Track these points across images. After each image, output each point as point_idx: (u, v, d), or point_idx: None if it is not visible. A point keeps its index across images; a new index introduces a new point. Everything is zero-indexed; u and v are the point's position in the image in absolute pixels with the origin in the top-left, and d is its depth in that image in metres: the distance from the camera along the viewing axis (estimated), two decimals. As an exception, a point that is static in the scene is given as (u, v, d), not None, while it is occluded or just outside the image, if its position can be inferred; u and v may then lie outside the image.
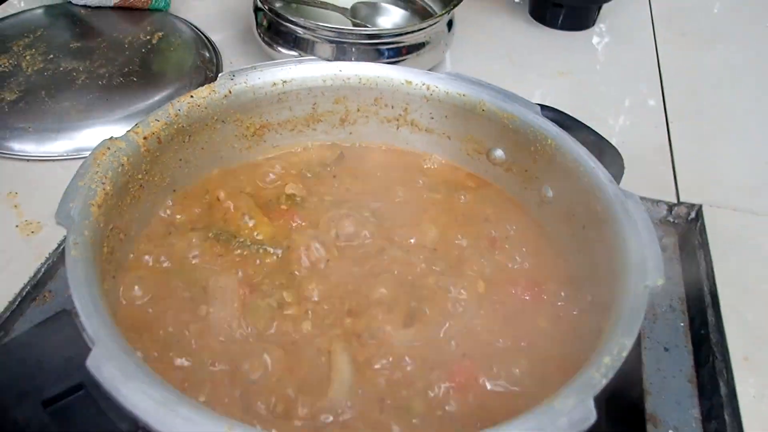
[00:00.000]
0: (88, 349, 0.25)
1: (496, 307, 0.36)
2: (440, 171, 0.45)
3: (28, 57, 0.63)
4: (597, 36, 0.82)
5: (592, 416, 0.25)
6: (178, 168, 0.39)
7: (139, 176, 0.36)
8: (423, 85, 0.42)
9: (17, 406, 0.25)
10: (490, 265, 0.38)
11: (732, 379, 0.44)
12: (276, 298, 0.35)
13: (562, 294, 0.36)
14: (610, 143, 0.42)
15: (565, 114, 0.42)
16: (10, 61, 0.62)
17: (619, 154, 0.41)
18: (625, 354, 0.28)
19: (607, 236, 0.34)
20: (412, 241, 0.39)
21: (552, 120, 0.41)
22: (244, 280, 0.35)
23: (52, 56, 0.63)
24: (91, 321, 0.26)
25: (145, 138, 0.36)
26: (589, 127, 0.42)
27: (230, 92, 0.40)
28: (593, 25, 0.82)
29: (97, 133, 0.58)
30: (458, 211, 0.42)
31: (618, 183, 0.40)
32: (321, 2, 0.71)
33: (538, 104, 0.41)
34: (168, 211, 0.39)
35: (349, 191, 0.42)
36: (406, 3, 0.75)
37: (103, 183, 0.33)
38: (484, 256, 0.38)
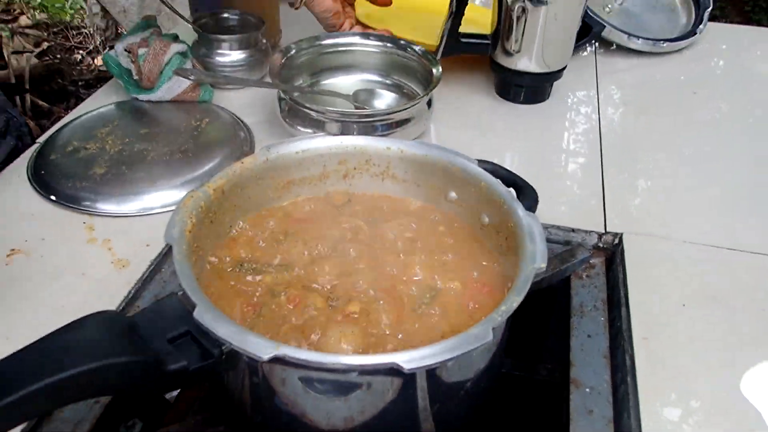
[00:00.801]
0: (192, 309, 0.43)
1: (454, 283, 0.54)
2: (415, 209, 0.63)
3: (109, 141, 0.83)
4: (551, 108, 1.01)
5: (489, 336, 0.42)
6: (234, 209, 0.58)
7: (210, 214, 0.54)
8: (398, 149, 0.61)
9: (154, 342, 0.43)
10: (449, 263, 0.56)
11: (633, 354, 0.61)
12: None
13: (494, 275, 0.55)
14: (529, 184, 0.60)
15: (499, 165, 0.61)
16: (97, 145, 0.83)
17: (534, 190, 0.59)
18: (515, 305, 0.45)
19: (518, 241, 0.52)
20: (399, 244, 0.57)
21: (489, 170, 0.59)
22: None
23: (127, 140, 0.84)
24: (192, 292, 0.44)
25: (214, 190, 0.55)
26: (515, 174, 0.61)
27: (267, 159, 0.59)
28: (548, 98, 1.02)
29: (162, 196, 0.77)
30: (427, 233, 0.60)
31: (534, 210, 0.58)
32: (329, 91, 0.92)
33: (477, 159, 0.60)
34: (233, 232, 0.57)
35: (353, 222, 0.60)
36: (395, 87, 0.95)
37: (190, 218, 0.52)
38: (445, 259, 0.56)
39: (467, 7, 0.97)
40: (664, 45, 1.14)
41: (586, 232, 0.76)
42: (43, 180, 0.78)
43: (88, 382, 0.40)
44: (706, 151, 0.92)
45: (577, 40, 1.03)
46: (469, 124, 0.96)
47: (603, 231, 0.76)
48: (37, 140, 0.87)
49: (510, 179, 0.60)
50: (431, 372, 0.44)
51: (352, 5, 0.99)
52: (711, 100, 1.05)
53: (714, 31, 1.24)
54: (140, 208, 0.76)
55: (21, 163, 0.82)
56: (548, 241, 0.74)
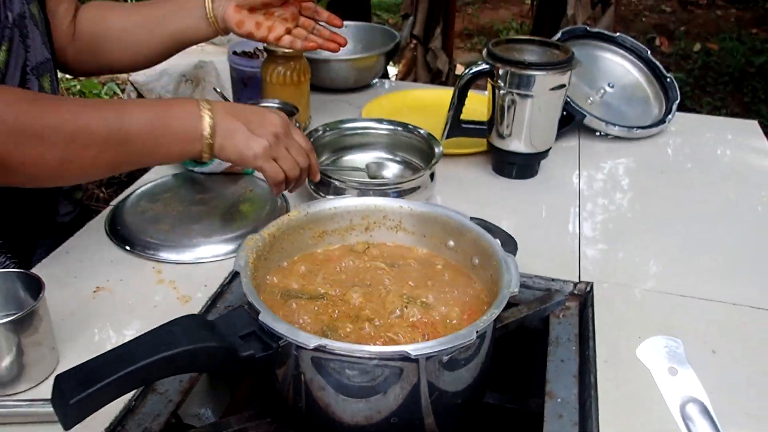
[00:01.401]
0: (256, 315, 0.60)
1: (454, 307, 0.70)
2: (422, 254, 0.80)
3: (171, 204, 1.02)
4: (539, 182, 1.19)
5: (473, 335, 0.58)
6: (281, 250, 0.75)
7: (264, 253, 0.72)
8: (409, 207, 0.79)
9: (230, 337, 0.59)
10: (449, 293, 0.72)
11: (596, 374, 0.76)
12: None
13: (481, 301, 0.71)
14: (510, 234, 0.77)
15: (487, 221, 0.78)
16: (161, 207, 1.01)
17: (514, 239, 0.76)
18: (494, 316, 0.61)
19: (499, 275, 0.69)
20: (411, 283, 0.74)
21: (479, 224, 0.77)
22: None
23: (185, 203, 1.02)
24: (257, 302, 0.61)
25: (267, 235, 0.72)
26: (499, 227, 0.78)
27: (307, 213, 0.77)
28: (537, 174, 1.20)
29: (214, 249, 0.94)
30: (433, 273, 0.77)
31: (515, 254, 0.75)
32: (348, 167, 1.11)
33: (470, 216, 0.77)
34: (282, 264, 0.74)
35: (374, 263, 0.77)
36: (403, 163, 1.14)
37: (251, 254, 0.69)
38: (445, 289, 0.73)
39: (467, 98, 1.17)
40: (637, 131, 1.33)
41: (563, 281, 0.92)
42: (120, 234, 0.96)
43: (187, 359, 0.56)
44: (667, 218, 1.09)
45: (562, 127, 1.23)
46: (468, 194, 1.14)
47: (577, 280, 0.92)
48: (110, 203, 1.05)
49: (496, 231, 0.77)
50: (432, 360, 0.60)
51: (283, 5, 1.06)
52: (675, 177, 1.23)
53: (683, 120, 1.43)
54: (196, 257, 0.93)
55: (99, 221, 1.00)
56: (532, 287, 0.91)
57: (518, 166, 1.18)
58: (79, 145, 0.74)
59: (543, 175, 1.21)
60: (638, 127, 1.34)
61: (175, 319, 0.60)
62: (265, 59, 1.25)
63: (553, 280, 0.93)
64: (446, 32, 3.61)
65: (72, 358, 0.74)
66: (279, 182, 0.85)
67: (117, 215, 1.00)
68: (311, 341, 0.57)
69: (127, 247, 0.94)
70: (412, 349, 0.57)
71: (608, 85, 1.43)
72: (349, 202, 0.80)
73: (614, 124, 1.32)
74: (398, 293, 0.71)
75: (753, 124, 1.46)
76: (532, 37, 1.18)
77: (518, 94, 1.10)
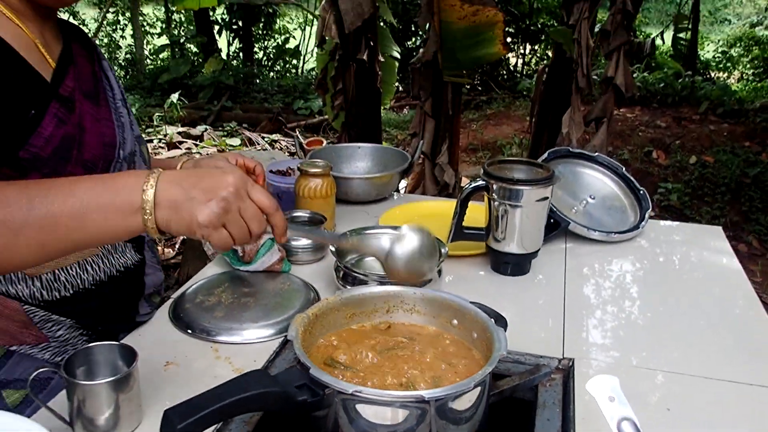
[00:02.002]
0: (307, 370, 0.80)
1: (455, 367, 0.89)
2: (432, 331, 1.00)
3: (223, 296, 1.23)
4: (531, 278, 1.40)
5: (470, 385, 0.78)
6: (321, 327, 0.95)
7: (309, 328, 0.92)
8: (420, 293, 1.00)
9: (288, 386, 0.79)
10: (455, 361, 0.91)
11: (575, 428, 0.94)
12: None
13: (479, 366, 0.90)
14: (502, 315, 0.97)
15: (484, 304, 0.98)
16: (215, 298, 1.22)
17: (504, 318, 0.96)
18: (488, 371, 0.81)
19: (492, 344, 0.88)
20: (428, 359, 0.93)
21: (478, 306, 0.97)
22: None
23: (235, 295, 1.23)
24: (307, 362, 0.81)
25: (311, 314, 0.93)
26: (493, 309, 0.98)
27: (341, 298, 0.98)
28: (529, 271, 1.41)
29: (260, 332, 1.14)
30: (441, 345, 0.96)
31: (505, 329, 0.94)
32: (368, 268, 1.32)
33: (470, 301, 0.98)
34: (320, 341, 0.94)
35: (395, 339, 0.97)
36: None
37: (299, 327, 0.89)
38: (451, 360, 0.92)
39: (467, 208, 1.40)
40: (614, 236, 1.55)
41: (550, 357, 1.11)
42: (182, 320, 1.17)
43: (259, 400, 0.76)
44: (640, 306, 1.29)
45: (550, 231, 1.45)
46: (470, 288, 1.35)
47: (561, 357, 1.11)
48: (172, 296, 1.27)
49: (490, 312, 0.97)
50: (441, 403, 0.79)
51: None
52: (648, 274, 1.44)
53: (656, 227, 1.66)
54: (245, 339, 1.13)
55: (163, 310, 1.21)
56: (524, 363, 1.10)
57: (512, 265, 1.39)
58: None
59: (534, 272, 1.42)
60: (616, 232, 1.56)
61: (248, 372, 0.80)
62: (298, 176, 1.49)
63: (541, 356, 1.12)
64: (452, 148, 3.92)
65: (153, 414, 0.93)
66: (227, 248, 0.86)
67: (178, 305, 1.21)
68: (349, 388, 0.77)
69: (189, 331, 1.14)
70: (426, 393, 0.76)
71: (590, 197, 1.66)
72: (373, 290, 1.01)
73: (595, 230, 1.54)
74: (415, 361, 0.91)
75: (717, 230, 1.68)
76: (520, 158, 1.43)
77: (509, 205, 1.33)
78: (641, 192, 1.66)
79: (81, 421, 0.88)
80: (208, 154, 1.34)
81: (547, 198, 1.35)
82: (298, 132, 7.19)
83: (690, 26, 9.58)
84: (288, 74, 10.86)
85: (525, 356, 1.12)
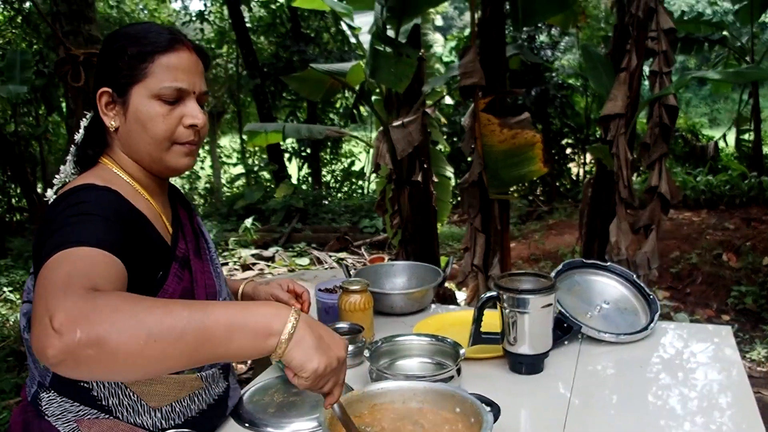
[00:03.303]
0: None
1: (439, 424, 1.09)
2: (442, 416, 1.21)
3: (275, 396, 1.47)
4: (545, 376, 1.59)
5: (457, 454, 0.98)
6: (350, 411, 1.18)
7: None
8: (429, 387, 1.22)
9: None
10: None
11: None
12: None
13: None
14: (496, 403, 1.17)
15: (482, 395, 1.19)
16: (269, 399, 1.46)
17: (498, 406, 1.16)
18: (473, 445, 1.01)
19: (483, 424, 1.09)
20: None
21: (477, 397, 1.18)
22: None
23: (285, 395, 1.47)
24: (331, 440, 1.04)
25: (342, 402, 1.16)
26: (488, 398, 1.18)
27: (362, 392, 1.20)
28: (543, 370, 1.60)
29: (304, 424, 1.37)
30: (447, 424, 1.17)
31: (498, 415, 1.14)
32: (398, 373, 1.54)
33: (471, 393, 1.19)
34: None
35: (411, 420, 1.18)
36: (438, 364, 1.56)
37: (328, 414, 1.12)
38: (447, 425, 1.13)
39: (487, 316, 1.62)
40: (623, 337, 1.73)
41: (550, 443, 1.30)
42: (242, 416, 1.41)
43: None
44: (643, 401, 1.45)
45: (565, 334, 1.65)
46: (487, 385, 1.54)
47: (560, 443, 1.29)
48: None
49: (486, 401, 1.18)
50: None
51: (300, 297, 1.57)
52: (654, 372, 1.60)
53: (666, 327, 1.82)
54: (293, 430, 1.36)
55: (224, 411, 1.46)
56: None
57: (525, 365, 1.59)
58: (164, 336, 0.88)
59: (548, 370, 1.61)
60: (624, 334, 1.73)
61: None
62: (340, 293, 1.76)
63: (542, 443, 1.30)
64: (503, 261, 4.12)
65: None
66: (308, 388, 1.01)
67: (240, 406, 1.46)
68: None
69: (246, 425, 1.38)
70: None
71: (604, 302, 1.85)
72: (389, 384, 1.24)
73: (605, 332, 1.73)
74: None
75: (727, 329, 1.82)
76: (527, 271, 1.65)
77: (518, 312, 1.54)
78: (651, 297, 1.84)
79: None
80: (266, 281, 1.62)
81: (551, 305, 1.56)
82: (344, 257, 7.53)
83: (752, 126, 9.67)
84: (354, 194, 11.41)
85: (529, 442, 1.30)
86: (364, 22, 4.25)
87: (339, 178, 11.80)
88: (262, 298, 1.55)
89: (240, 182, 11.68)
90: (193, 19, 11.78)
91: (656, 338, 1.78)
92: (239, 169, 11.97)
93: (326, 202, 10.38)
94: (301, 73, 4.00)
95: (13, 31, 9.96)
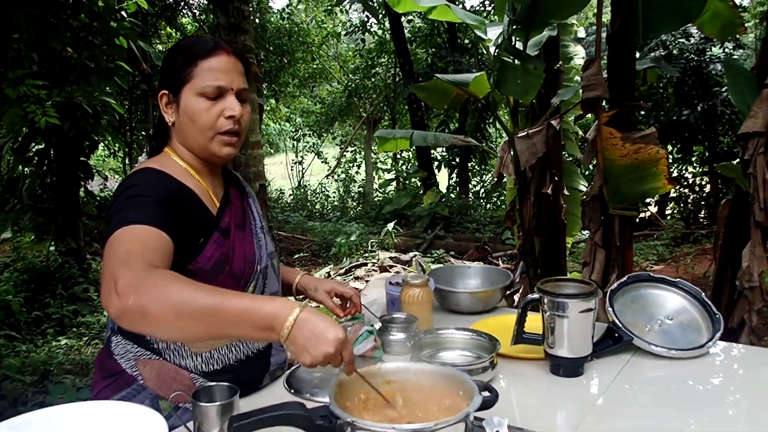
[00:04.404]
0: (328, 405, 1.18)
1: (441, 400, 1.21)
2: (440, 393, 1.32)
3: (323, 371, 1.65)
4: (583, 379, 1.63)
5: (458, 419, 1.10)
6: (362, 385, 1.32)
7: (349, 383, 1.30)
8: (437, 369, 1.33)
9: (312, 414, 1.17)
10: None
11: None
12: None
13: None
14: (494, 389, 1.26)
15: (485, 381, 1.28)
16: (318, 372, 1.64)
17: (496, 391, 1.25)
18: (465, 414, 1.12)
19: (469, 399, 1.20)
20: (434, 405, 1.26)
21: (477, 382, 1.28)
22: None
23: (333, 372, 1.64)
24: (331, 401, 1.19)
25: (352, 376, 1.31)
26: (493, 387, 1.28)
27: (378, 367, 1.35)
28: (583, 374, 1.64)
29: (343, 398, 1.53)
30: (448, 401, 1.28)
31: (496, 400, 1.24)
32: (438, 361, 1.66)
33: (475, 379, 1.29)
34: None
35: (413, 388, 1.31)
36: (476, 356, 1.66)
37: (337, 381, 1.28)
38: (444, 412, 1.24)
39: (531, 319, 1.69)
40: (675, 352, 1.72)
41: (559, 438, 1.36)
42: (293, 385, 1.60)
43: (288, 419, 1.15)
44: (676, 416, 1.46)
45: (614, 344, 1.69)
46: (521, 382, 1.62)
47: (568, 438, 1.35)
48: (288, 371, 1.71)
49: (488, 387, 1.28)
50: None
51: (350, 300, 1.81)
52: (700, 390, 1.59)
53: (728, 349, 1.78)
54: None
55: (280, 379, 1.66)
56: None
57: (564, 367, 1.64)
58: (186, 316, 1.16)
59: (588, 375, 1.65)
60: (677, 349, 1.73)
61: (289, 401, 1.20)
62: (403, 286, 1.90)
63: (552, 437, 1.37)
64: (621, 278, 4.03)
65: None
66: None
67: (292, 374, 1.65)
68: (347, 418, 1.13)
69: (293, 391, 1.57)
70: (407, 426, 1.10)
71: (667, 317, 1.85)
72: (406, 364, 1.36)
73: (657, 346, 1.73)
74: (419, 410, 1.25)
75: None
76: (571, 278, 1.70)
77: (557, 315, 1.61)
78: (717, 316, 1.80)
79: (200, 433, 1.34)
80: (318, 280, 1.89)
81: (591, 310, 1.60)
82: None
83: None
84: (503, 206, 11.40)
85: (538, 435, 1.38)
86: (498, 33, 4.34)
87: (488, 188, 11.85)
88: (315, 294, 1.80)
89: (391, 187, 12.08)
90: (357, 29, 12.38)
91: (716, 359, 1.75)
92: (392, 175, 12.40)
93: (472, 212, 10.47)
94: (428, 83, 4.17)
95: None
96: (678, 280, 1.92)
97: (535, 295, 1.66)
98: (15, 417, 1.25)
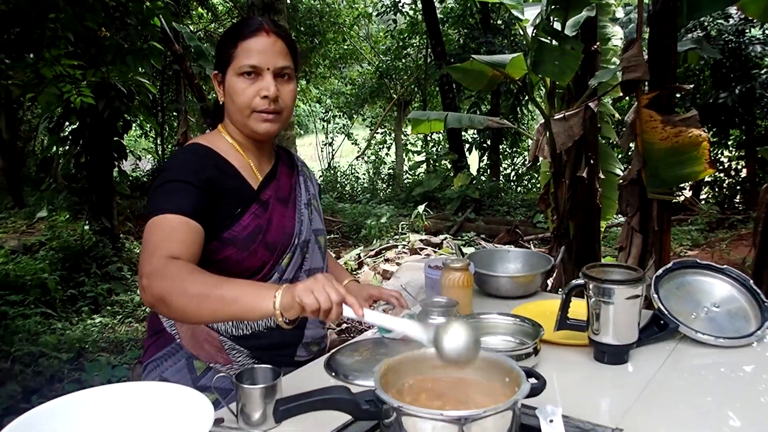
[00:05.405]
0: (374, 390, 1.17)
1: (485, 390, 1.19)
2: (484, 383, 1.31)
3: (365, 353, 1.64)
4: (627, 367, 1.60)
5: (507, 405, 1.09)
6: (409, 370, 1.31)
7: (395, 367, 1.29)
8: (485, 355, 1.31)
9: (359, 399, 1.16)
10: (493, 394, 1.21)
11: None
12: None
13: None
14: (542, 376, 1.24)
15: (530, 368, 1.26)
16: (359, 355, 1.63)
17: (544, 379, 1.23)
18: (513, 401, 1.11)
19: (519, 389, 1.18)
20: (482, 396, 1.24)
21: (525, 370, 1.26)
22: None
23: (373, 353, 1.63)
24: (377, 386, 1.18)
25: (399, 359, 1.29)
26: (540, 374, 1.25)
27: (423, 353, 1.33)
28: (627, 361, 1.61)
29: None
30: (499, 391, 1.27)
31: (543, 388, 1.22)
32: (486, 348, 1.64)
33: (522, 366, 1.27)
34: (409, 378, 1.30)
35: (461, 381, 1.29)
36: (520, 342, 1.64)
37: (385, 365, 1.26)
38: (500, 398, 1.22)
39: (576, 305, 1.66)
40: (723, 341, 1.68)
41: (604, 427, 1.33)
42: (333, 368, 1.60)
43: (340, 401, 1.14)
44: (720, 406, 1.43)
45: (659, 331, 1.65)
46: (565, 369, 1.59)
47: (614, 428, 1.33)
48: (331, 351, 1.71)
49: (535, 374, 1.25)
50: (468, 421, 1.09)
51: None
52: (749, 380, 1.55)
53: (779, 337, 1.74)
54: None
55: (319, 361, 1.65)
56: (581, 428, 1.33)
57: (608, 354, 1.61)
58: (197, 300, 1.29)
59: (634, 363, 1.62)
60: (725, 338, 1.68)
61: (334, 385, 1.19)
62: (443, 270, 1.88)
63: (598, 425, 1.34)
64: (659, 263, 3.96)
65: (290, 419, 1.35)
66: (315, 310, 1.24)
67: (332, 357, 1.65)
68: (394, 403, 1.12)
69: (333, 374, 1.57)
70: (454, 413, 1.08)
71: (714, 305, 1.80)
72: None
73: (704, 334, 1.69)
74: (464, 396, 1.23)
75: None
76: (619, 263, 1.67)
77: (603, 301, 1.58)
78: (765, 304, 1.75)
79: (242, 415, 1.34)
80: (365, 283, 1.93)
81: (638, 296, 1.57)
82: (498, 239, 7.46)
83: None
84: (534, 189, 11.29)
85: (585, 423, 1.35)
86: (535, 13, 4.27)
87: (519, 172, 11.74)
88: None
89: (421, 170, 12.03)
90: (389, 9, 12.28)
91: (765, 348, 1.71)
92: (422, 157, 12.33)
93: (503, 195, 10.39)
94: (463, 64, 4.11)
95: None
96: (725, 267, 1.87)
97: (580, 281, 1.63)
98: (67, 395, 1.25)
